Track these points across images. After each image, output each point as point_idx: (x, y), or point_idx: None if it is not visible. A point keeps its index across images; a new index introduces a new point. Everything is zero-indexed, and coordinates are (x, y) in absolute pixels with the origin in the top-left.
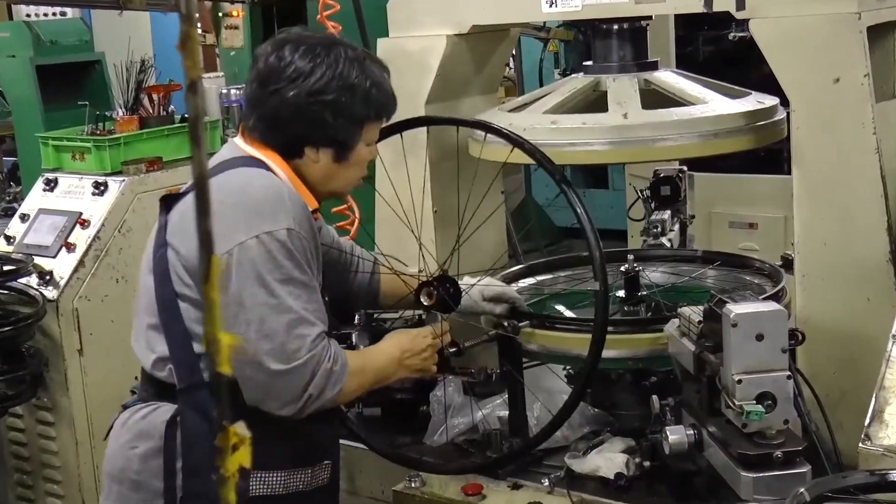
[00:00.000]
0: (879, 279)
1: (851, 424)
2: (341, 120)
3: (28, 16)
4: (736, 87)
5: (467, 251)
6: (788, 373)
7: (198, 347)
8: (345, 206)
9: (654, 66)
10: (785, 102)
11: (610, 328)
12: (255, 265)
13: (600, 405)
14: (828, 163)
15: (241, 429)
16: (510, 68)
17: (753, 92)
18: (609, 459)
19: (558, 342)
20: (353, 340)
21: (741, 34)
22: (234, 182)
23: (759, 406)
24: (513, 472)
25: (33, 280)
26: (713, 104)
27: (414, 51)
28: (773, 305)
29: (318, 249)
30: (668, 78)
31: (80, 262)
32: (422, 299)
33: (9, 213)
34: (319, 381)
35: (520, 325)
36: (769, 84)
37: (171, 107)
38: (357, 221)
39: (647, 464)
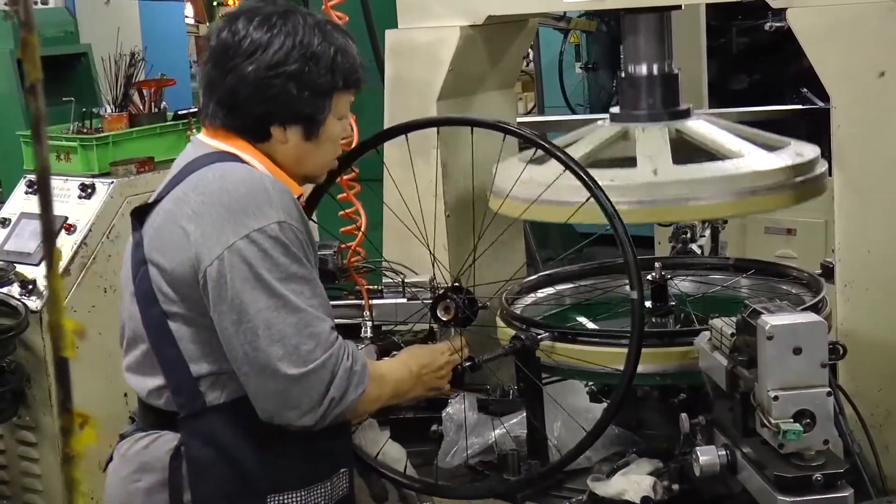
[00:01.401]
0: None
1: None
2: (306, 92)
3: (6, 4)
4: (773, 137)
5: (483, 259)
6: (829, 389)
7: (196, 369)
8: (351, 209)
9: (685, 115)
10: (825, 98)
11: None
12: (251, 267)
13: (625, 424)
14: (872, 163)
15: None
16: (528, 62)
17: (792, 141)
18: (635, 482)
19: (581, 356)
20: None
21: (778, 24)
22: (209, 182)
23: (797, 425)
24: (532, 497)
25: (15, 289)
26: (749, 158)
27: (425, 43)
28: (811, 317)
29: (312, 237)
30: (701, 127)
31: (66, 271)
32: (438, 314)
33: None
34: (341, 381)
35: (539, 337)
36: (807, 78)
37: (164, 103)
38: (364, 226)
39: (675, 487)
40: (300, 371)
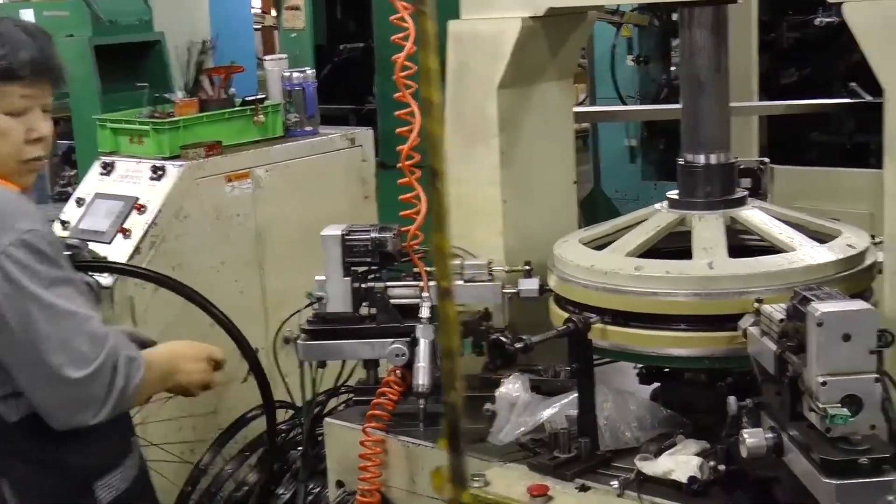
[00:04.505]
0: None
1: None
2: None
3: None
4: (826, 224)
5: (534, 244)
6: (876, 375)
7: None
8: (412, 194)
9: (741, 203)
10: (873, 92)
11: (685, 325)
12: (13, 283)
13: (673, 406)
14: None
15: None
16: (583, 54)
17: (844, 227)
18: (682, 462)
19: (631, 340)
20: (418, 333)
21: (828, 19)
22: None
23: (845, 410)
24: (581, 474)
25: None
26: (801, 252)
27: (487, 33)
28: (861, 304)
29: (54, 233)
30: (755, 217)
31: (136, 249)
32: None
33: (63, 197)
34: (123, 369)
35: (591, 321)
36: (856, 72)
37: (232, 89)
38: (424, 210)
39: (722, 468)
40: (86, 372)
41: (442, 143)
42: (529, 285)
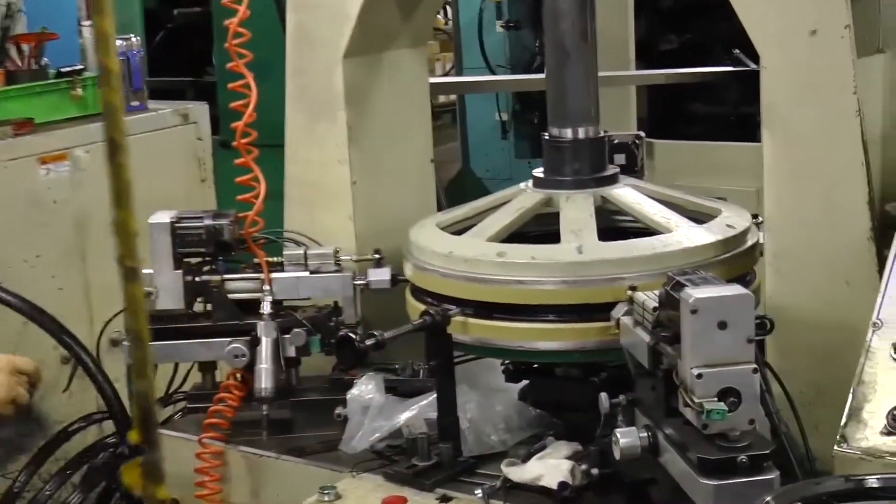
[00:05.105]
0: (860, 260)
1: (827, 425)
2: None
3: None
4: (704, 204)
5: (389, 229)
6: (755, 366)
7: None
8: (249, 176)
9: (613, 180)
10: (757, 59)
11: (553, 316)
12: None
13: (543, 405)
14: (802, 127)
15: None
16: (447, 20)
17: (725, 206)
18: (552, 467)
19: (495, 333)
20: (259, 332)
21: None
22: None
23: (722, 404)
24: (442, 482)
25: None
26: (678, 234)
27: None
28: (738, 289)
29: None
30: (628, 196)
31: None
32: None
33: None
34: None
35: (450, 312)
36: (739, 39)
37: (44, 59)
38: (262, 194)
39: (595, 471)
40: None
41: (120, 112)
42: (380, 276)
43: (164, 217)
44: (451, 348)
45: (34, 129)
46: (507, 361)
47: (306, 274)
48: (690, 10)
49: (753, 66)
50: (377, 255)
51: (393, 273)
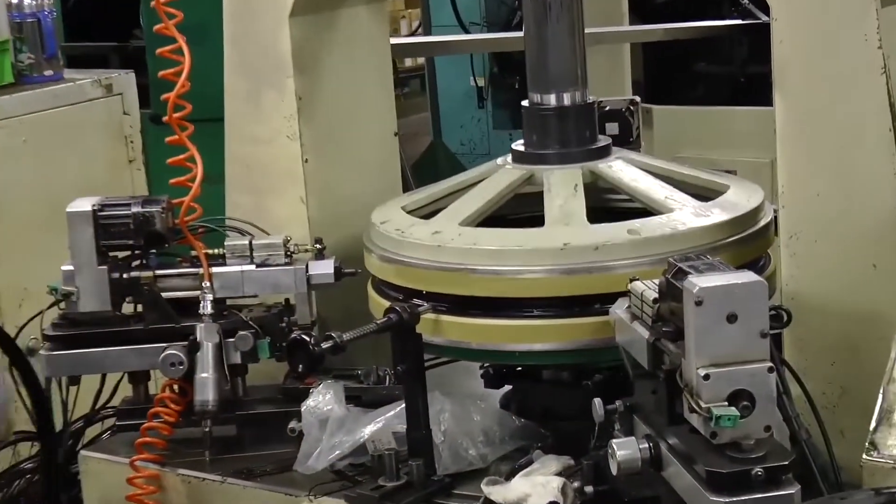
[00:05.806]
0: (887, 240)
1: (854, 430)
2: None
3: None
4: (710, 178)
5: (347, 213)
6: (770, 364)
7: None
8: (184, 155)
9: (604, 153)
10: (766, 10)
11: (538, 311)
12: None
13: (528, 414)
14: (820, 88)
15: None
16: None
17: (733, 181)
18: (540, 485)
19: (471, 332)
20: (199, 335)
21: None
22: None
23: (733, 409)
24: None
25: None
26: (680, 214)
27: None
28: (749, 276)
29: None
30: (621, 171)
31: None
32: None
33: None
34: None
35: (420, 309)
36: None
37: None
38: (199, 176)
39: (589, 489)
40: None
41: None
42: (321, 269)
43: (84, 205)
44: (422, 350)
45: None
46: (486, 364)
47: (252, 267)
48: None
49: (764, 17)
50: (318, 246)
51: (337, 265)
